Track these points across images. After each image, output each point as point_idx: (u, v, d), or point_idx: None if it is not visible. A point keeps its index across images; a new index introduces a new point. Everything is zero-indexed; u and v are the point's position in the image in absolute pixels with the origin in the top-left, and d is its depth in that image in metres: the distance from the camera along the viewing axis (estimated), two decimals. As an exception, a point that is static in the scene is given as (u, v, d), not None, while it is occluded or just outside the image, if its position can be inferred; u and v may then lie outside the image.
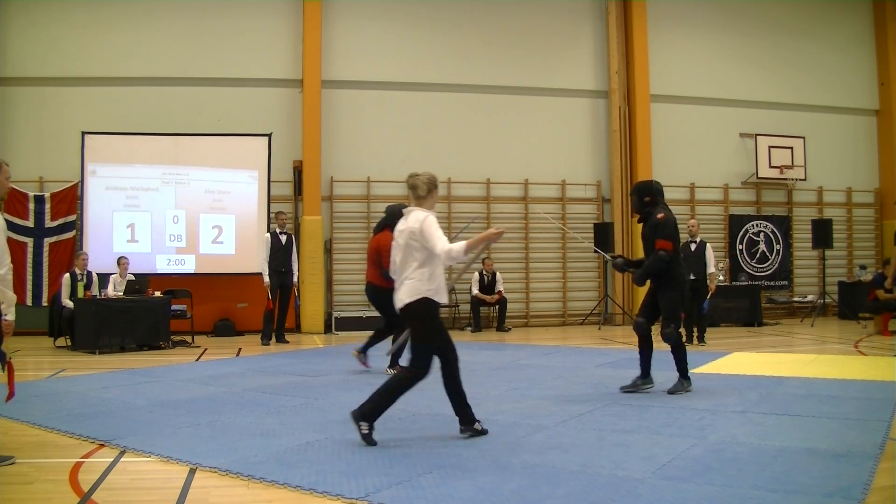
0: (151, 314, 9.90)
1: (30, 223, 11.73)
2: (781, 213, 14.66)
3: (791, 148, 14.35)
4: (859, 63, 15.13)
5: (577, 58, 13.98)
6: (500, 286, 12.69)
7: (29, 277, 11.72)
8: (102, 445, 4.39)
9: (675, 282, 5.93)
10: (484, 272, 12.62)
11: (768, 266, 14.38)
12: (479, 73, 13.49)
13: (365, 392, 6.28)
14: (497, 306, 12.71)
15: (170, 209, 11.91)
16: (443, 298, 4.50)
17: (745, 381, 6.51)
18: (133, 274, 10.64)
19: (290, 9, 12.77)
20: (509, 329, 12.59)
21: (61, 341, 10.19)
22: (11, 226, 11.67)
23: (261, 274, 10.52)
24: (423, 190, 4.78)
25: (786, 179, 14.36)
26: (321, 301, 12.36)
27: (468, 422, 4.50)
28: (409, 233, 4.54)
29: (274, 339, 10.55)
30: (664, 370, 7.30)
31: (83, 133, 11.68)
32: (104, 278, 10.55)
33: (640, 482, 3.53)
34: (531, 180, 13.59)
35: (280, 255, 10.53)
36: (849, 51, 15.07)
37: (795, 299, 14.50)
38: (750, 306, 12.83)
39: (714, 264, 9.81)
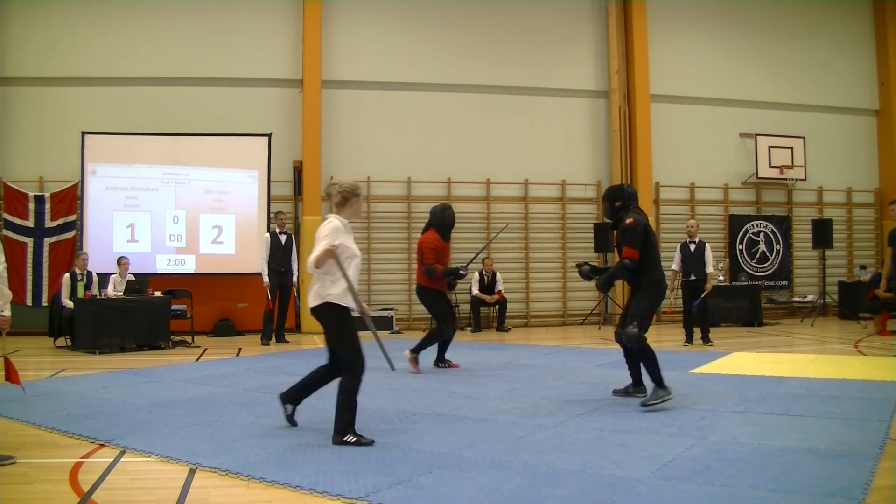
0: (151, 314, 9.91)
1: (30, 223, 11.74)
2: (781, 213, 14.67)
3: (791, 148, 14.35)
4: (859, 63, 15.13)
5: (577, 58, 13.99)
6: (500, 286, 12.69)
7: (29, 277, 11.73)
8: (102, 445, 4.39)
9: (649, 287, 5.58)
10: (484, 272, 12.62)
11: (768, 266, 14.38)
12: (479, 73, 13.49)
13: (365, 394, 6.28)
14: (497, 306, 12.71)
15: (170, 209, 11.91)
16: (347, 302, 4.52)
17: (745, 381, 6.51)
18: (133, 274, 10.64)
19: (290, 9, 12.78)
20: (509, 329, 12.60)
21: (61, 341, 10.20)
22: (11, 226, 11.70)
23: (260, 274, 10.53)
24: (336, 198, 4.79)
25: (786, 179, 14.36)
26: (321, 301, 12.34)
27: (338, 433, 4.43)
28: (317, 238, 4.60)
29: (274, 339, 10.55)
30: (665, 370, 7.30)
31: (83, 133, 11.69)
32: (104, 278, 10.56)
33: (640, 482, 3.53)
34: (531, 180, 13.59)
35: (280, 255, 10.53)
36: (849, 51, 15.08)
37: (795, 299, 14.50)
38: (750, 306, 12.83)
39: (712, 265, 9.79)
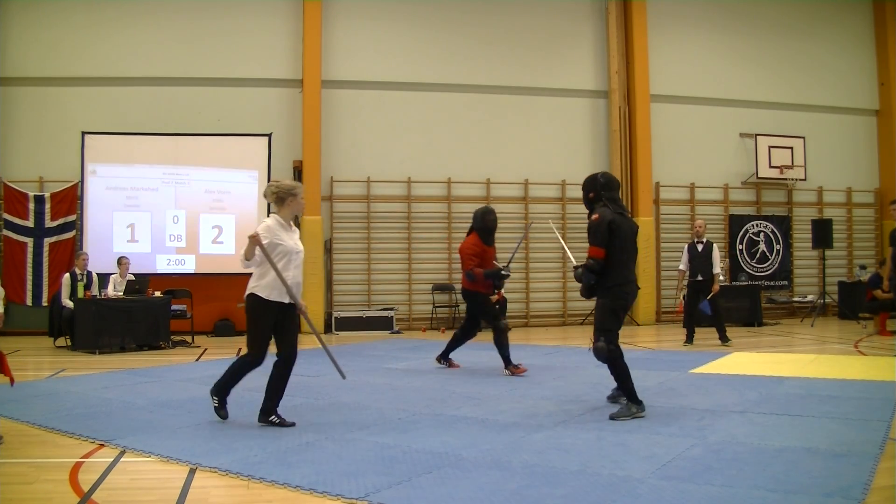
0: (151, 314, 9.91)
1: (30, 223, 11.74)
2: (781, 213, 14.66)
3: (791, 148, 14.35)
4: (859, 63, 15.13)
5: (577, 58, 13.99)
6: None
7: (29, 277, 11.73)
8: (102, 445, 4.39)
9: (607, 292, 5.07)
10: (484, 272, 12.60)
11: (768, 266, 14.38)
12: (479, 73, 13.50)
13: (364, 392, 6.30)
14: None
15: (170, 209, 11.91)
16: (270, 296, 4.86)
17: (745, 381, 6.51)
18: (133, 274, 10.64)
19: (290, 9, 12.78)
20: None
21: (61, 341, 10.19)
22: (11, 226, 11.71)
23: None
24: (270, 198, 5.08)
25: (786, 179, 14.36)
26: (321, 301, 12.37)
27: (269, 412, 4.95)
28: None
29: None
30: (665, 370, 7.31)
31: (83, 133, 11.69)
32: (104, 278, 10.56)
33: (640, 482, 3.53)
34: (531, 180, 13.59)
35: (280, 255, 10.52)
36: (849, 51, 15.08)
37: (795, 299, 14.50)
38: (750, 306, 12.82)
39: (719, 265, 9.71)
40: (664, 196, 14.13)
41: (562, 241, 8.32)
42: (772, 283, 14.38)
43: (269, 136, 12.21)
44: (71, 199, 11.90)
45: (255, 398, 5.94)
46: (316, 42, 12.59)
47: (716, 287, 9.59)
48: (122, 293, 10.20)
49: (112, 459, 4.09)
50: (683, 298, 9.99)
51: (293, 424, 4.88)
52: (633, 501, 3.27)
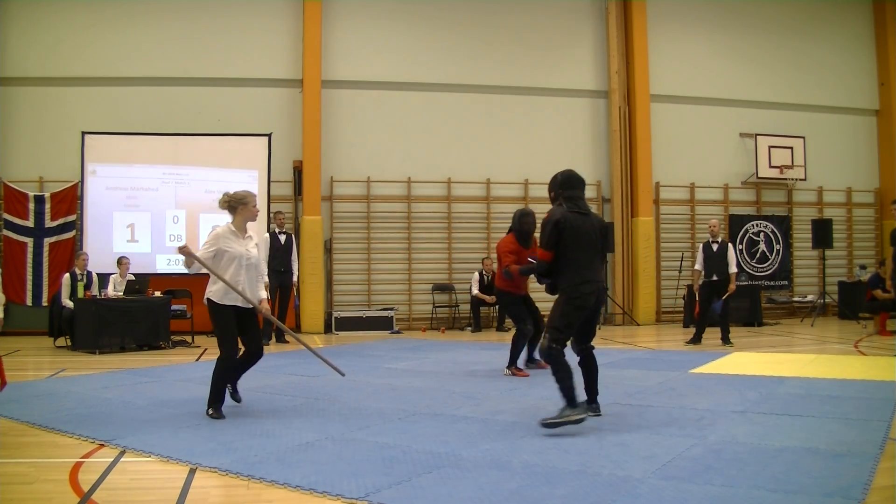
0: (151, 314, 9.90)
1: (30, 223, 11.74)
2: (781, 213, 14.67)
3: (791, 148, 14.35)
4: (859, 63, 15.13)
5: (577, 58, 13.99)
6: (500, 286, 12.67)
7: (29, 277, 11.73)
8: (102, 445, 4.39)
9: (563, 292, 4.86)
10: (484, 272, 12.62)
11: (768, 266, 14.38)
12: (478, 73, 13.50)
13: (364, 391, 6.30)
14: (497, 306, 12.70)
15: (170, 209, 11.91)
16: (223, 300, 5.24)
17: (745, 381, 6.50)
18: (133, 274, 10.64)
19: (289, 8, 12.78)
20: (509, 329, 12.57)
21: (61, 341, 10.19)
22: (11, 226, 11.71)
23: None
24: (222, 206, 5.49)
25: (786, 179, 14.37)
26: (321, 301, 12.37)
27: (212, 401, 5.20)
28: None
29: (274, 338, 10.55)
30: (665, 370, 7.31)
31: (83, 133, 11.70)
32: (104, 278, 10.56)
33: (640, 482, 3.53)
34: (531, 180, 13.58)
35: (279, 255, 10.53)
36: (849, 51, 15.08)
37: (795, 299, 14.51)
38: (750, 306, 12.82)
39: (735, 264, 9.61)
40: (664, 196, 14.13)
41: None
42: (772, 283, 14.39)
43: (269, 136, 12.21)
44: (71, 199, 11.90)
45: (254, 398, 5.95)
46: (316, 42, 12.59)
47: (732, 287, 9.53)
48: (122, 293, 10.20)
49: (112, 459, 4.09)
50: (698, 299, 9.93)
51: (240, 401, 5.50)
52: (633, 501, 3.27)
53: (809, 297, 14.25)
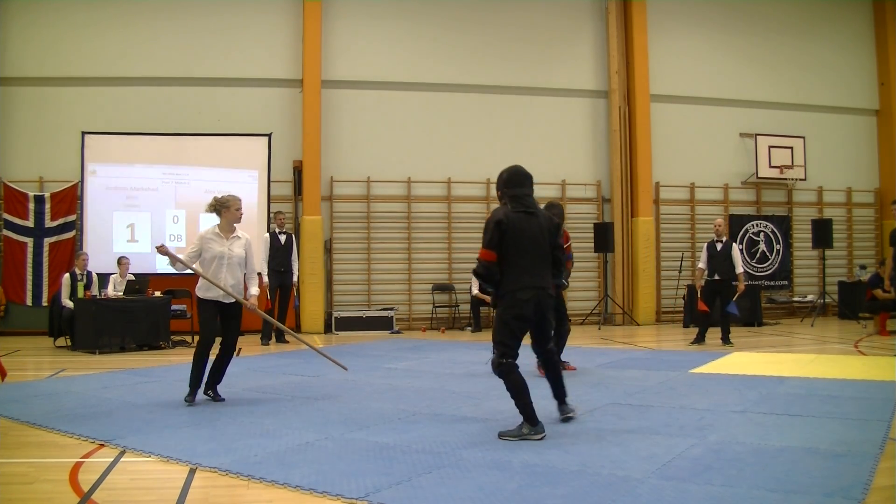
0: (151, 314, 9.91)
1: (30, 223, 11.74)
2: (781, 213, 14.67)
3: (791, 148, 14.36)
4: (859, 63, 15.13)
5: (577, 58, 13.99)
6: (500, 286, 12.66)
7: (29, 277, 11.73)
8: (102, 445, 4.39)
9: (502, 298, 4.59)
10: (484, 272, 12.59)
11: (768, 266, 14.38)
12: (479, 73, 13.50)
13: (364, 391, 6.30)
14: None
15: (170, 209, 11.91)
16: (206, 295, 5.85)
17: (745, 381, 6.50)
18: (133, 274, 10.64)
19: (290, 8, 12.78)
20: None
21: (61, 341, 10.19)
22: (11, 226, 11.71)
23: (260, 274, 10.52)
24: (208, 210, 5.94)
25: (786, 179, 14.37)
26: (321, 301, 12.37)
27: (209, 386, 5.87)
28: None
29: (274, 338, 10.55)
30: (665, 370, 7.31)
31: (83, 133, 11.70)
32: (104, 278, 10.56)
33: (640, 482, 3.53)
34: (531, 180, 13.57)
35: (279, 255, 10.53)
36: (849, 50, 15.08)
37: (795, 299, 14.51)
38: (750, 306, 12.82)
39: (741, 264, 9.60)
40: (664, 196, 14.13)
41: None
42: (772, 282, 14.39)
43: (269, 136, 12.21)
44: (71, 199, 11.90)
45: (255, 398, 5.95)
46: (316, 42, 12.59)
47: (741, 286, 9.53)
48: (122, 293, 10.20)
49: (112, 459, 4.09)
50: (700, 298, 9.93)
51: (223, 400, 5.82)
52: (633, 501, 3.26)
53: (809, 297, 14.25)
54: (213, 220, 6.07)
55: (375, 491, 3.42)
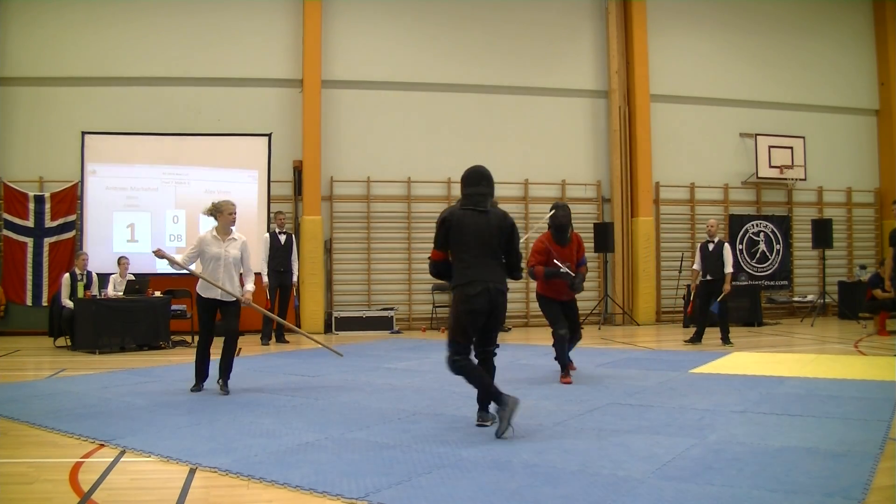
0: (151, 314, 9.91)
1: (30, 223, 11.74)
2: (781, 212, 14.67)
3: (791, 148, 14.36)
4: (859, 63, 15.13)
5: (577, 57, 13.99)
6: (500, 286, 12.66)
7: (29, 277, 11.73)
8: (102, 445, 4.39)
9: (453, 294, 4.72)
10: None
11: (768, 266, 14.38)
12: (479, 73, 13.50)
13: (364, 391, 6.30)
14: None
15: (170, 209, 11.91)
16: (203, 294, 6.29)
17: (745, 381, 6.51)
18: (133, 274, 10.64)
19: (290, 8, 12.78)
20: (509, 329, 12.59)
21: (61, 341, 10.19)
22: (11, 226, 11.71)
23: (260, 274, 10.53)
24: (206, 214, 6.43)
25: (786, 179, 14.37)
26: (321, 301, 12.37)
27: (220, 376, 6.29)
28: None
29: (274, 338, 10.55)
30: (665, 370, 7.31)
31: (83, 133, 11.70)
32: (104, 278, 10.56)
33: (640, 482, 3.53)
34: (531, 180, 13.60)
35: (279, 255, 10.53)
36: (849, 50, 15.08)
37: (795, 299, 14.51)
38: (750, 306, 12.83)
39: (731, 263, 9.55)
40: (664, 196, 14.13)
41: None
42: (772, 282, 14.39)
43: (269, 136, 12.21)
44: (71, 199, 11.90)
45: (255, 398, 5.96)
46: (316, 42, 12.59)
47: (727, 287, 9.47)
48: (122, 293, 10.20)
49: (112, 459, 4.09)
50: (693, 298, 9.96)
51: (227, 393, 6.12)
52: (633, 501, 3.27)
53: (809, 297, 14.25)
54: (208, 220, 6.41)
55: (375, 491, 3.42)
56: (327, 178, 12.80)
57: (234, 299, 6.21)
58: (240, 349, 9.87)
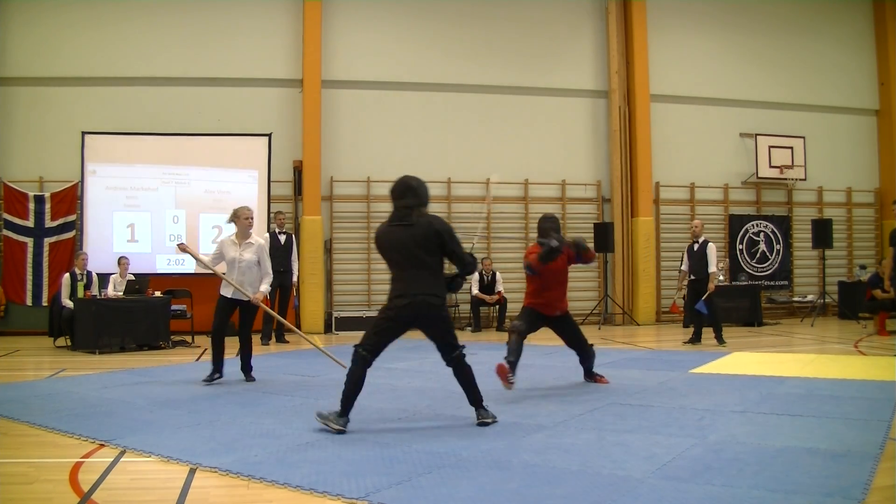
0: (151, 314, 9.90)
1: (30, 223, 11.74)
2: (781, 213, 14.67)
3: (791, 148, 14.36)
4: (859, 63, 15.14)
5: (577, 58, 13.99)
6: (499, 286, 12.68)
7: (29, 277, 11.73)
8: (102, 445, 4.39)
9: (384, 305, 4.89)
10: (483, 272, 12.61)
11: (768, 266, 14.38)
12: (479, 73, 13.50)
13: (364, 392, 6.28)
14: (497, 306, 12.71)
15: (170, 209, 11.91)
16: (224, 293, 6.76)
17: (745, 381, 6.51)
18: (133, 274, 10.64)
19: (289, 8, 12.78)
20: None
21: (61, 341, 10.19)
22: (11, 226, 11.71)
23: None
24: (228, 221, 6.92)
25: (786, 179, 14.37)
26: (321, 301, 12.37)
27: (242, 369, 6.94)
28: None
29: (274, 338, 10.55)
30: (665, 370, 7.31)
31: (83, 133, 11.70)
32: (104, 278, 10.56)
33: (640, 482, 3.52)
34: (531, 180, 13.60)
35: (279, 255, 10.51)
36: (849, 50, 15.08)
37: (795, 299, 14.51)
38: (750, 306, 12.82)
39: (715, 263, 9.58)
40: (664, 196, 14.13)
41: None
42: (772, 283, 14.39)
43: (269, 136, 12.21)
44: (71, 199, 11.90)
45: (255, 398, 5.96)
46: (316, 42, 12.59)
47: (711, 286, 9.46)
48: (122, 293, 10.20)
49: (112, 459, 4.09)
50: (684, 299, 10.00)
51: (254, 380, 6.80)
52: (633, 501, 3.26)
53: (809, 297, 14.25)
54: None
55: (375, 491, 3.42)
56: (327, 178, 12.80)
57: (248, 301, 6.72)
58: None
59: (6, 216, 11.71)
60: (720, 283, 12.67)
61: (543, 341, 10.89)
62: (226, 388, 6.47)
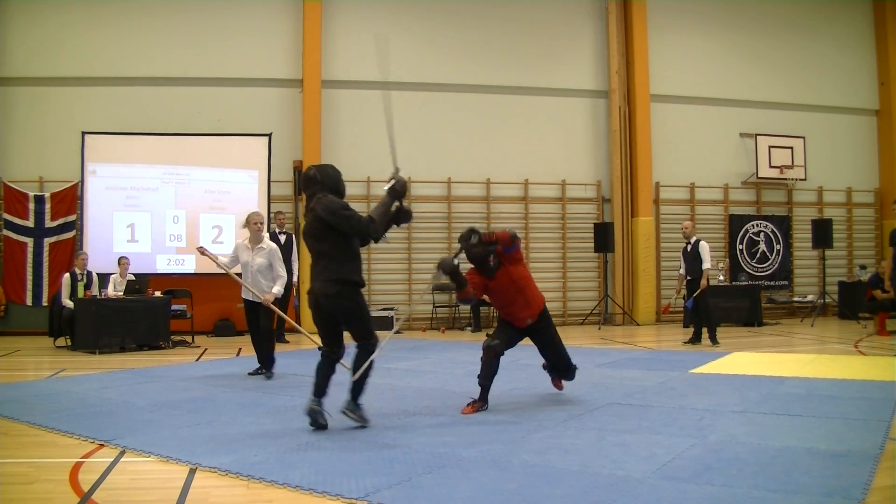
0: (151, 314, 9.90)
1: (30, 223, 11.74)
2: (781, 213, 14.66)
3: (791, 148, 14.36)
4: (859, 63, 15.13)
5: (577, 58, 13.99)
6: (500, 286, 12.65)
7: (29, 277, 11.73)
8: (102, 445, 4.39)
9: None
10: (484, 272, 12.58)
11: (768, 266, 14.38)
12: (479, 73, 13.50)
13: (365, 394, 6.28)
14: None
15: (170, 209, 11.91)
16: (244, 295, 7.22)
17: (745, 381, 6.51)
18: (133, 274, 10.64)
19: (290, 8, 12.78)
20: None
21: (61, 341, 10.19)
22: (11, 226, 11.71)
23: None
24: (242, 226, 7.27)
25: (786, 179, 14.37)
26: (321, 301, 12.34)
27: (262, 363, 7.30)
28: None
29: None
30: (665, 370, 7.31)
31: (83, 133, 11.70)
32: (104, 278, 10.56)
33: (640, 482, 3.53)
34: (531, 180, 13.59)
35: (279, 255, 10.52)
36: (849, 50, 15.08)
37: (795, 299, 14.51)
38: (750, 306, 12.82)
39: (709, 260, 9.53)
40: (664, 196, 14.13)
41: None
42: (772, 283, 14.39)
43: (269, 136, 12.21)
44: (71, 199, 11.90)
45: (255, 398, 5.96)
46: (316, 42, 12.59)
47: (703, 283, 9.43)
48: (122, 293, 10.20)
49: (112, 459, 4.09)
50: (684, 298, 9.99)
51: (270, 377, 7.15)
52: (633, 501, 3.26)
53: (809, 297, 14.25)
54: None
55: (375, 491, 3.42)
56: (327, 178, 12.78)
57: (262, 301, 7.03)
58: (240, 349, 9.89)
59: (6, 216, 11.71)
60: (720, 283, 12.72)
61: (543, 341, 10.89)
62: (226, 388, 6.47)
